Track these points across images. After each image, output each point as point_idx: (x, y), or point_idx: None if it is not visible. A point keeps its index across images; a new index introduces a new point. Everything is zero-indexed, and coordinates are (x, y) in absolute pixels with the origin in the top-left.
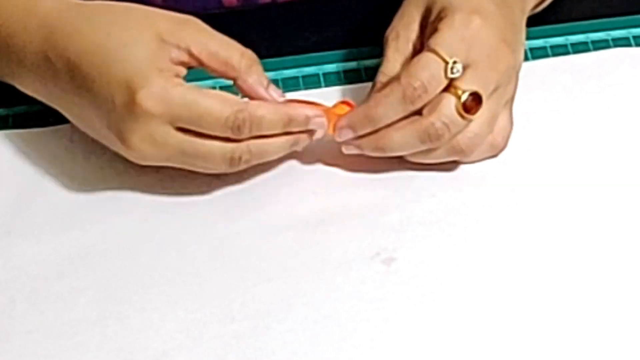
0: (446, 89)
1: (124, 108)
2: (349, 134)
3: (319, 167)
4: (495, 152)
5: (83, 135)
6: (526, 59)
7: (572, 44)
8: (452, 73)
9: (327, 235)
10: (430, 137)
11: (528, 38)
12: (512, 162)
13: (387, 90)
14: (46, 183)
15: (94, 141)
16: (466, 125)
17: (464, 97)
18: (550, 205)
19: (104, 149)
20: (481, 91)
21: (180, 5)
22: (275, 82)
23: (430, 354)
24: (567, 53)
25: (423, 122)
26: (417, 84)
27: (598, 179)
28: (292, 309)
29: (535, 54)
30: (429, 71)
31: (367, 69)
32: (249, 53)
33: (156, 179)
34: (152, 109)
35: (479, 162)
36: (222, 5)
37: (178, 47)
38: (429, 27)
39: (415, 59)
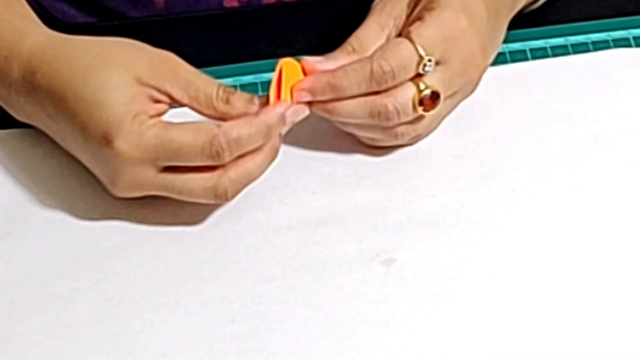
0: (411, 79)
1: (105, 155)
2: (306, 97)
3: (319, 167)
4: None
5: None
6: (526, 59)
7: (572, 45)
8: (422, 69)
9: (327, 236)
10: (380, 116)
11: (528, 39)
12: (512, 162)
13: (356, 65)
14: (46, 184)
15: None
16: (414, 118)
17: (425, 92)
18: (550, 206)
19: None
20: (442, 91)
21: (181, 7)
22: None
23: (430, 355)
24: (567, 53)
25: (378, 100)
26: (387, 68)
27: (598, 179)
28: (292, 310)
29: (535, 54)
30: (402, 60)
31: None
32: (223, 85)
33: None
34: (131, 155)
35: (479, 163)
36: (223, 6)
37: (158, 90)
38: (415, 10)
39: (393, 43)
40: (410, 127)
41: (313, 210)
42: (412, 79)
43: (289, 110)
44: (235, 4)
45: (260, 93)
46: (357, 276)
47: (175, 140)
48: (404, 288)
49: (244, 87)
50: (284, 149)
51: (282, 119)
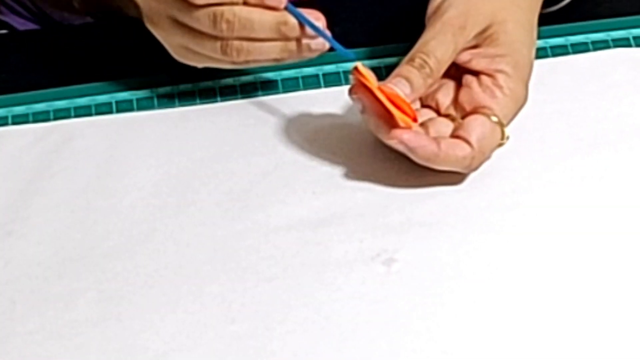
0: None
1: None
2: (404, 150)
3: (319, 167)
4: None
5: (83, 133)
6: None
7: (572, 45)
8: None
9: (327, 236)
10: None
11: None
12: (513, 162)
13: (459, 153)
14: (46, 183)
15: (94, 140)
16: None
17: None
18: (550, 206)
19: (104, 147)
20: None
21: None
22: (274, 82)
23: (431, 354)
24: (567, 53)
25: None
26: (483, 158)
27: (598, 178)
28: (292, 310)
29: (535, 54)
30: (495, 146)
31: None
32: None
33: (156, 179)
34: None
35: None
36: None
37: None
38: (487, 55)
39: (488, 129)
40: None
41: (313, 210)
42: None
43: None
44: None
45: (260, 92)
46: (358, 276)
47: None
48: (404, 288)
49: (243, 87)
50: (283, 149)
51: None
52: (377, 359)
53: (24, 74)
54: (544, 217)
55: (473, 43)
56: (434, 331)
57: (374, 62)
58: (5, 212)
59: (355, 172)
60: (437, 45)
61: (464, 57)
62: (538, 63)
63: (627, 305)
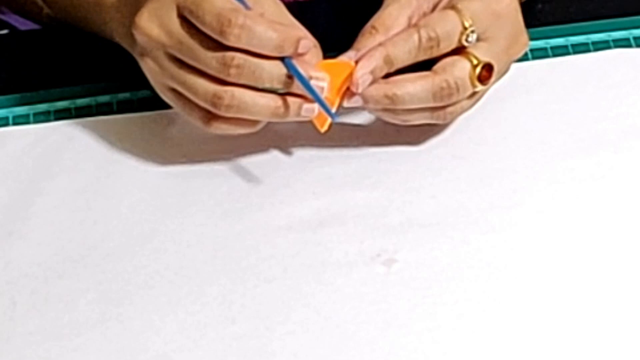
0: (461, 54)
1: None
2: (368, 79)
3: (319, 167)
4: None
5: (84, 134)
6: (526, 59)
7: (573, 45)
8: (466, 41)
9: (327, 237)
10: (443, 92)
11: (528, 38)
12: (513, 163)
13: (404, 34)
14: (47, 184)
15: (94, 140)
16: (469, 94)
17: (478, 69)
18: (550, 206)
19: (105, 148)
20: (494, 64)
21: None
22: None
23: (431, 355)
24: (567, 54)
25: (437, 79)
26: (432, 34)
27: (598, 179)
28: (292, 311)
29: (535, 54)
30: (446, 29)
31: None
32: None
33: (157, 179)
34: None
35: (480, 164)
36: None
37: None
38: None
39: (438, 13)
40: (459, 105)
41: (313, 211)
42: (463, 54)
43: (303, 41)
44: None
45: None
46: (358, 277)
47: None
48: (404, 289)
49: None
50: (284, 149)
51: (297, 42)
52: (377, 359)
53: (24, 74)
54: (544, 217)
55: None
56: (434, 331)
57: None
58: (5, 212)
59: (356, 172)
60: (382, 7)
61: None
62: (538, 63)
63: (627, 305)
